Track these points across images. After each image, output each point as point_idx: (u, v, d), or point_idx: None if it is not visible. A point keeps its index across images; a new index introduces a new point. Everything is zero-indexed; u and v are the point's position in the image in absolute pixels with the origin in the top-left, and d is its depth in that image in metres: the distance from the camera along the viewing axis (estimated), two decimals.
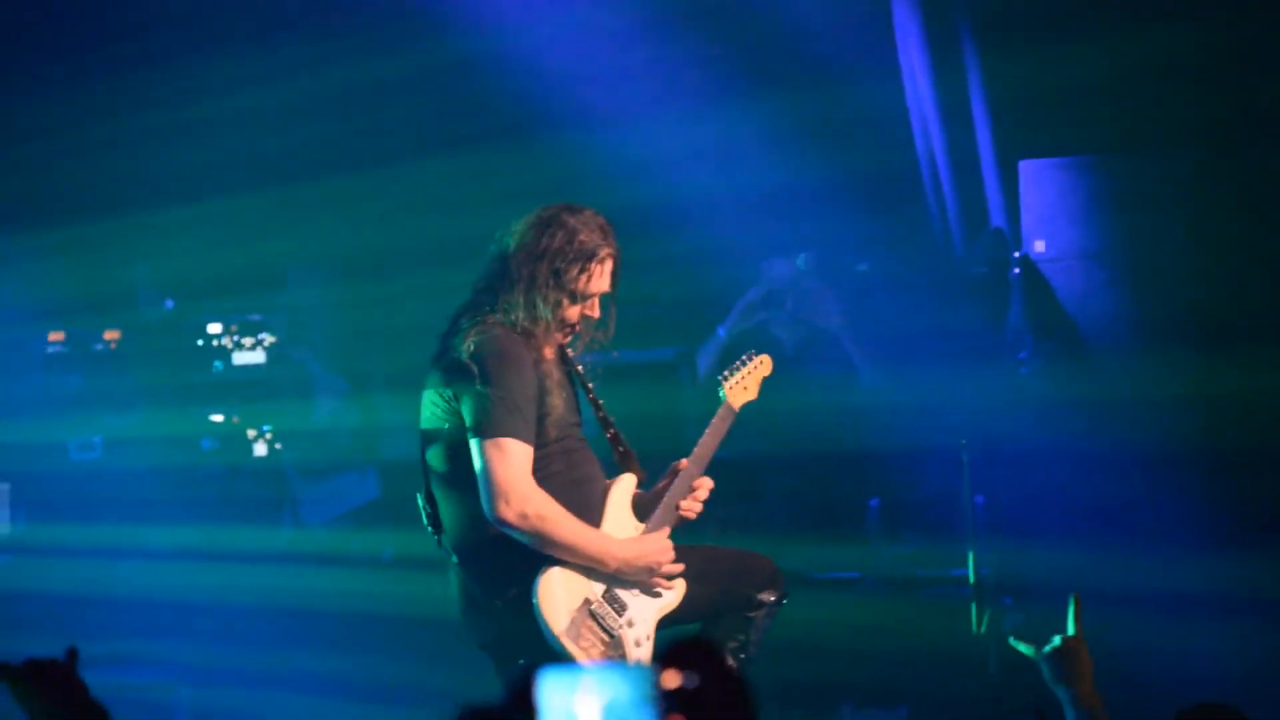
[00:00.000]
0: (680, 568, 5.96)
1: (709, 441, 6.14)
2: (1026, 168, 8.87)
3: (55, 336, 9.95)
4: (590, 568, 5.80)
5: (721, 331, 9.58)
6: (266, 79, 10.07)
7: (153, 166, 10.22)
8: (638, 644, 5.89)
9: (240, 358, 9.98)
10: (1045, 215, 8.80)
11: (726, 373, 6.30)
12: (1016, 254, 8.88)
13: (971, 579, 8.47)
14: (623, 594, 5.88)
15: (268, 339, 9.98)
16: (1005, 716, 8.38)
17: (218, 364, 9.98)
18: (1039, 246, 8.80)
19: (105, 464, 9.83)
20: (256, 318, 10.01)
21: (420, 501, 5.98)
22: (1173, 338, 8.61)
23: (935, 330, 9.35)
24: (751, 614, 6.15)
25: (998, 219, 9.50)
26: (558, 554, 5.73)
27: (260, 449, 9.92)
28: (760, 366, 6.36)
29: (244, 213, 10.18)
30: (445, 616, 6.20)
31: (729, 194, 9.97)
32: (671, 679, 2.72)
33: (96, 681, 8.23)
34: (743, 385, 6.29)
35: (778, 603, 6.20)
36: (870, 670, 8.65)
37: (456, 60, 10.05)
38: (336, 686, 8.90)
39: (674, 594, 6.01)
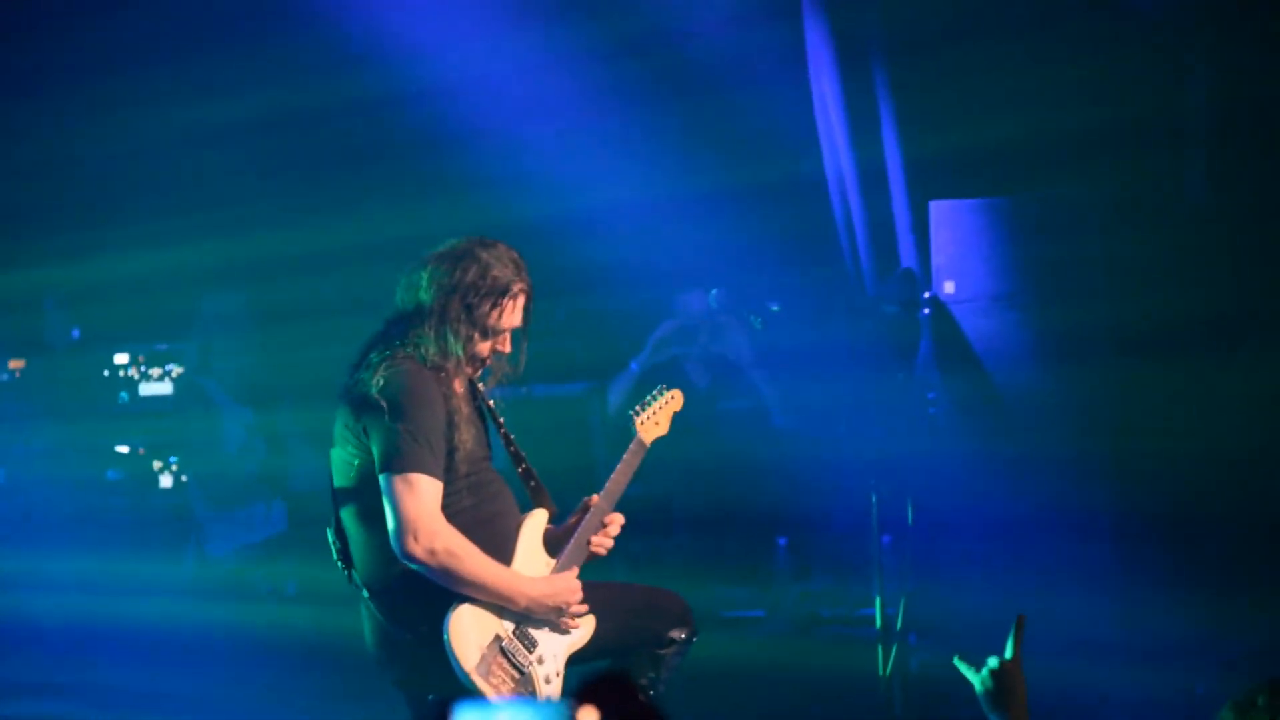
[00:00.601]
0: (585, 608, 5.94)
1: (620, 477, 6.13)
2: (937, 208, 8.92)
3: None
4: (500, 605, 5.77)
5: (634, 366, 9.59)
6: (176, 102, 10.01)
7: (63, 191, 10.14)
8: (547, 680, 5.87)
9: (147, 388, 9.89)
10: (955, 256, 8.84)
11: (639, 407, 6.30)
12: (926, 294, 8.92)
13: (878, 618, 8.49)
14: (533, 631, 5.86)
15: (175, 370, 9.90)
16: None
17: (124, 395, 9.89)
18: (949, 287, 8.84)
19: (8, 493, 9.71)
20: (163, 348, 9.93)
21: (330, 536, 5.95)
22: (1083, 379, 8.66)
23: (845, 369, 9.38)
24: (662, 651, 6.15)
25: (908, 259, 9.54)
26: (466, 591, 5.71)
27: (166, 480, 9.82)
28: (671, 401, 6.37)
29: (153, 238, 10.10)
30: (353, 649, 6.17)
31: (641, 228, 9.97)
32: (588, 715, 2.71)
33: (2, 712, 8.06)
34: (654, 420, 6.29)
35: (688, 640, 6.20)
36: (776, 709, 8.66)
37: (371, 85, 10.03)
38: (242, 717, 8.83)
39: (583, 631, 5.99)
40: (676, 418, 6.36)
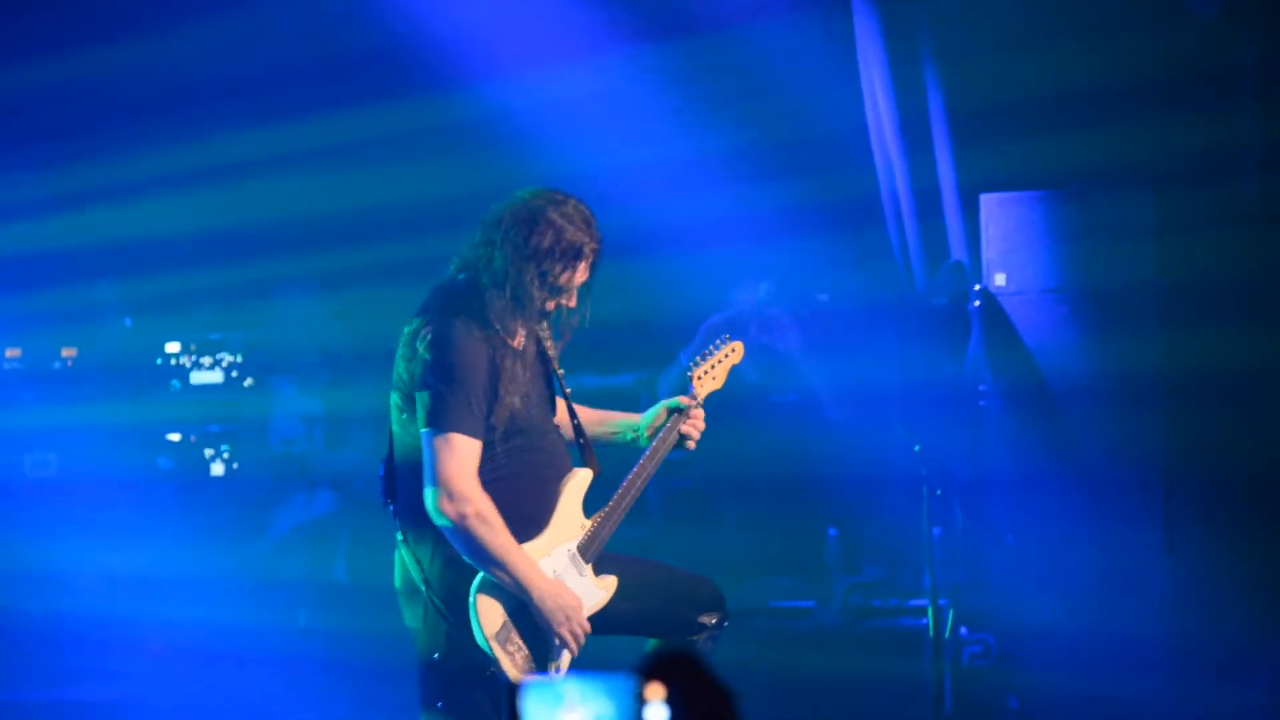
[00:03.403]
0: (584, 637, 5.88)
1: (668, 435, 6.11)
2: (988, 201, 8.89)
3: (12, 353, 9.87)
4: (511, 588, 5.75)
5: (683, 357, 9.58)
6: (231, 86, 10.05)
7: (118, 178, 10.17)
8: (558, 670, 5.87)
9: (198, 377, 9.92)
10: (1006, 249, 8.81)
11: (698, 358, 6.27)
12: (977, 287, 8.89)
13: (929, 610, 8.47)
14: None
15: (226, 359, 9.92)
16: None
17: (175, 383, 9.92)
18: (999, 280, 8.81)
19: (61, 481, 9.75)
20: (216, 337, 9.95)
21: (381, 470, 5.96)
22: (1134, 374, 8.63)
23: (895, 362, 9.37)
24: (693, 637, 6.13)
25: (959, 252, 9.52)
26: (482, 564, 5.68)
27: (218, 469, 9.85)
28: (732, 354, 6.32)
29: (210, 228, 10.14)
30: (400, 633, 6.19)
31: (692, 221, 9.97)
32: (655, 691, 2.70)
33: (52, 700, 8.14)
34: (711, 375, 6.26)
35: (719, 626, 6.17)
36: (824, 700, 8.65)
37: (428, 80, 10.06)
38: (290, 708, 8.86)
39: (604, 595, 5.96)
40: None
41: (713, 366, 6.27)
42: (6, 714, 9.00)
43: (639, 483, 6.03)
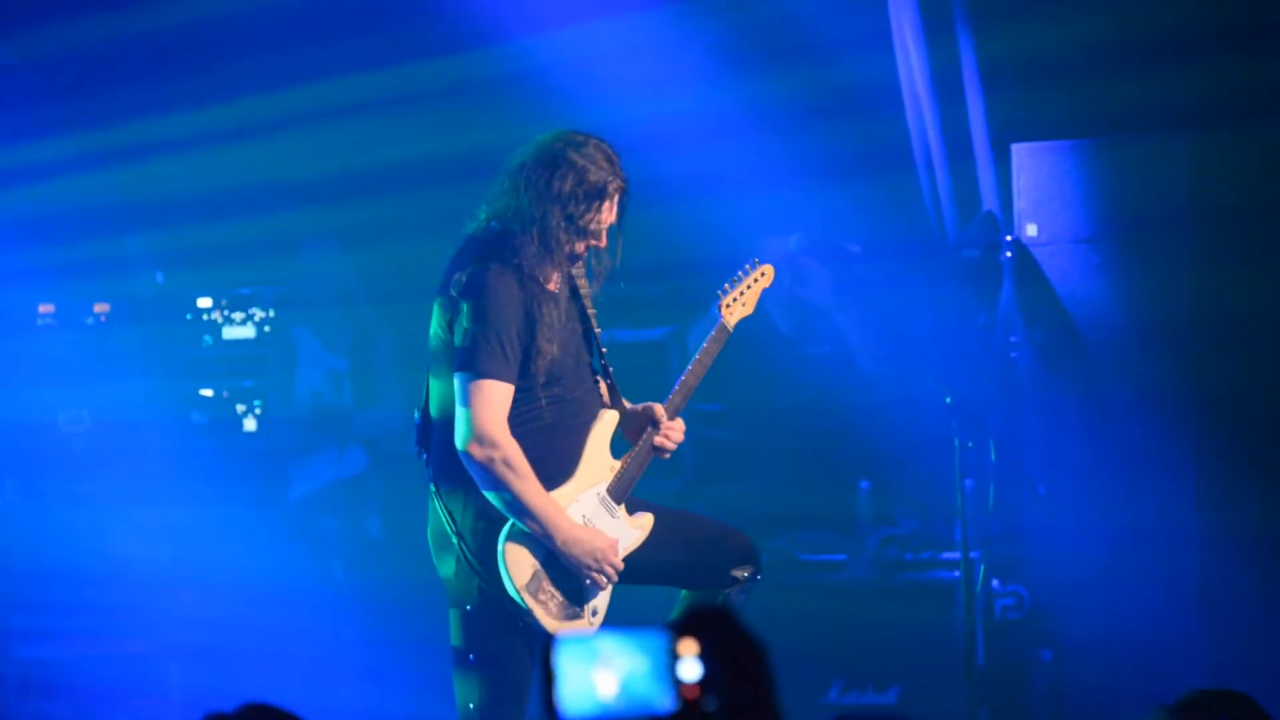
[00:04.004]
0: (616, 575, 5.88)
1: (698, 368, 6.11)
2: (1020, 151, 8.85)
3: (45, 308, 9.89)
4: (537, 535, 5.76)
5: (715, 310, 9.54)
6: (268, 44, 10.02)
7: (146, 136, 10.17)
8: (595, 613, 5.88)
9: (230, 332, 9.92)
10: (1038, 199, 8.77)
11: (726, 285, 6.25)
12: (1008, 238, 8.86)
13: (961, 562, 8.46)
14: None
15: (258, 314, 9.92)
16: (993, 699, 8.39)
17: (207, 338, 9.93)
18: (1031, 231, 8.78)
19: (94, 437, 9.77)
20: (246, 291, 9.95)
21: (416, 416, 5.97)
22: (1167, 324, 8.59)
23: (927, 313, 9.33)
24: (725, 589, 6.13)
25: (990, 203, 9.47)
26: (508, 510, 5.71)
27: (250, 424, 9.86)
28: (762, 279, 6.29)
29: (240, 182, 10.13)
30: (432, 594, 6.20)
31: (720, 172, 9.93)
32: (689, 646, 2.70)
33: (85, 655, 8.20)
34: (741, 301, 6.24)
35: (751, 579, 6.16)
36: (859, 652, 8.66)
37: (451, 38, 10.02)
38: (325, 662, 8.90)
39: (640, 534, 5.96)
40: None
41: (741, 293, 6.24)
42: (43, 669, 9.08)
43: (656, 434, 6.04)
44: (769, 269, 6.30)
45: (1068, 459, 8.68)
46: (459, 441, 5.67)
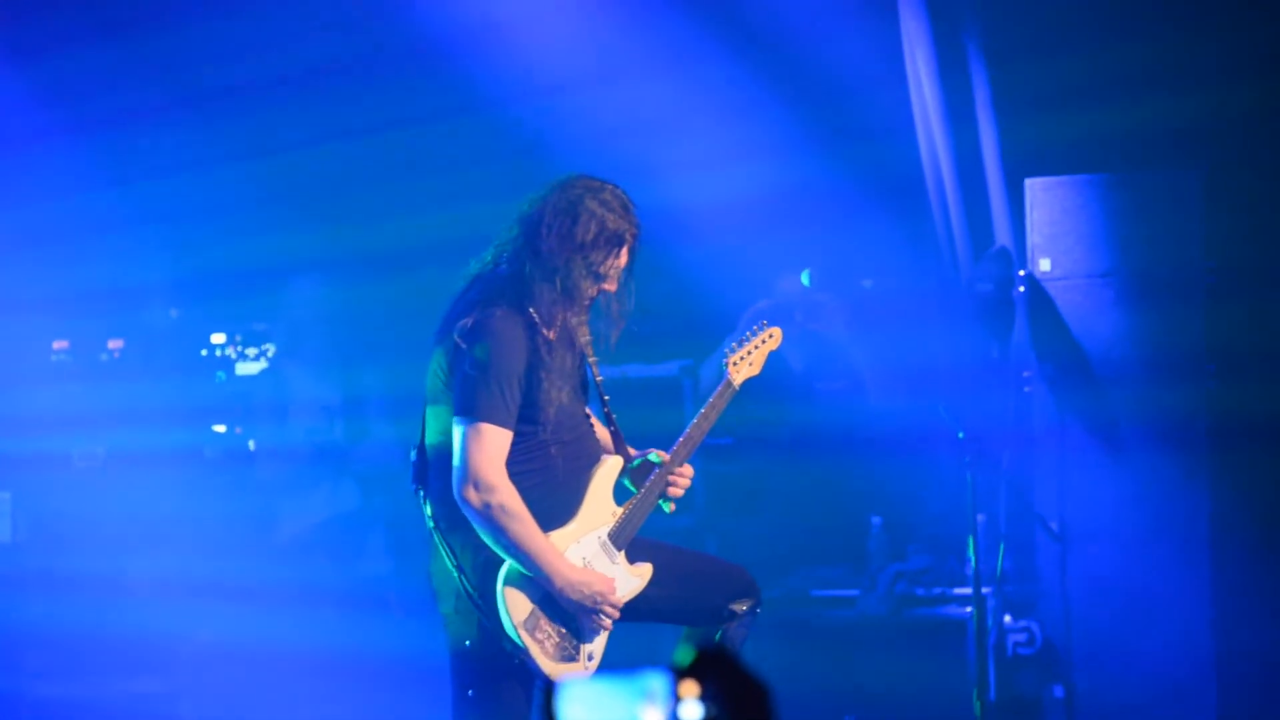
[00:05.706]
0: (617, 614, 5.87)
1: (703, 422, 6.12)
2: (1034, 185, 8.85)
3: (59, 344, 9.92)
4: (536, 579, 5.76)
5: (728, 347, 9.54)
6: (273, 76, 10.06)
7: (162, 176, 10.21)
8: (590, 657, 5.87)
9: (244, 368, 9.95)
10: (1052, 234, 8.77)
11: (735, 344, 6.27)
12: (1022, 273, 8.86)
13: (973, 598, 8.44)
14: None
15: (271, 350, 9.95)
16: None
17: (220, 374, 9.94)
18: (1044, 265, 8.78)
19: (108, 472, 9.79)
20: (261, 327, 9.97)
21: (413, 455, 5.97)
22: (1180, 360, 8.58)
23: (940, 347, 9.34)
24: (724, 624, 6.12)
25: (1003, 237, 9.48)
26: (507, 553, 5.71)
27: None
28: (770, 340, 6.31)
29: (249, 219, 10.16)
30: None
31: (733, 207, 9.95)
32: (690, 688, 2.70)
33: (98, 694, 8.13)
34: (748, 361, 6.25)
35: (750, 613, 6.15)
36: (871, 688, 8.64)
37: (471, 75, 10.04)
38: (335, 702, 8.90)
39: (638, 582, 5.96)
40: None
41: (749, 352, 6.26)
42: (57, 708, 9.07)
43: (663, 478, 6.04)
44: (777, 331, 6.33)
45: (1080, 494, 8.67)
46: (455, 485, 5.68)
